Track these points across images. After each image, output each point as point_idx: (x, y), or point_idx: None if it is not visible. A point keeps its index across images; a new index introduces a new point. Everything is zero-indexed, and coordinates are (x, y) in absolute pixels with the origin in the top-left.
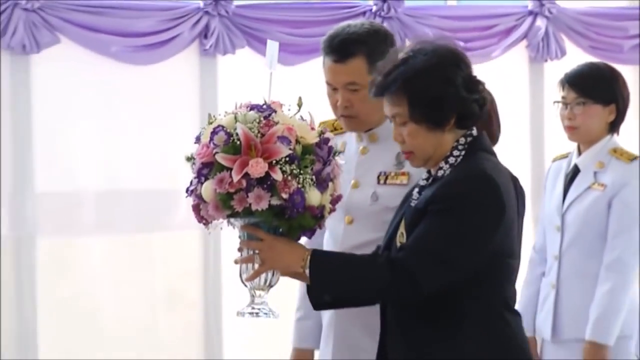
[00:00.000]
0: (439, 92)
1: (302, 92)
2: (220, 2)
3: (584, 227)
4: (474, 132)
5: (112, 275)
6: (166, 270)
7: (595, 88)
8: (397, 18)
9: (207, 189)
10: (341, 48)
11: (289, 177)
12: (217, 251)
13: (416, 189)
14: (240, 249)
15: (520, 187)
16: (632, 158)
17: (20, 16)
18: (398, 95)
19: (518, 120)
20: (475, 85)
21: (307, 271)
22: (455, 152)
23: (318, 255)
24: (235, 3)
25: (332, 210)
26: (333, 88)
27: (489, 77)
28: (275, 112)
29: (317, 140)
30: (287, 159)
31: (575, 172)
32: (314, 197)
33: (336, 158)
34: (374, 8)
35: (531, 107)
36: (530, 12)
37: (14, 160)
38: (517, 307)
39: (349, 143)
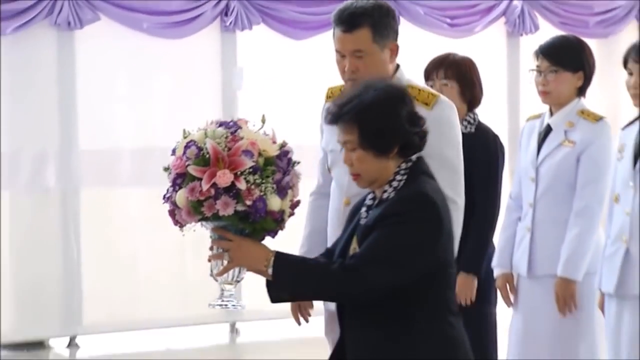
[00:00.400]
0: (386, 124)
1: (310, 62)
2: None
3: (556, 179)
4: (414, 158)
5: (146, 223)
6: None
7: (565, 58)
8: None
9: (181, 196)
10: (349, 20)
11: (252, 186)
12: None
13: (364, 209)
14: (211, 248)
15: (501, 143)
16: (598, 118)
17: None
18: (350, 125)
19: (497, 86)
20: (417, 120)
21: (270, 270)
22: (398, 177)
23: (281, 257)
24: None
25: (292, 214)
26: (342, 55)
27: (472, 49)
28: (241, 128)
29: (277, 152)
30: (251, 170)
31: (547, 130)
32: (274, 203)
33: (297, 163)
34: None
35: (509, 74)
36: None
37: (61, 122)
38: (496, 247)
39: None
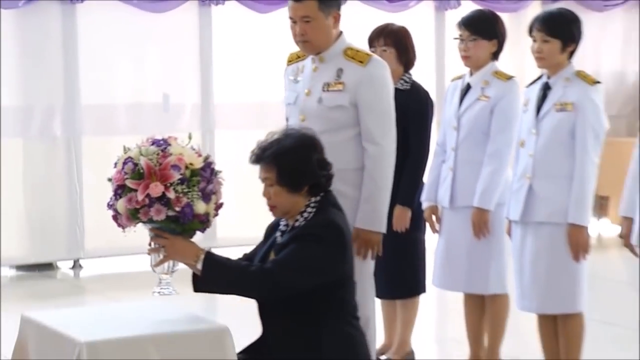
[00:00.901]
0: (299, 167)
1: (272, 32)
2: None
3: (473, 127)
4: (322, 199)
5: None
6: None
7: (482, 28)
8: None
9: (121, 205)
10: None
11: (181, 195)
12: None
13: (279, 233)
14: (150, 244)
15: (430, 99)
16: (508, 78)
17: None
18: (270, 165)
19: (427, 52)
20: (325, 165)
21: (199, 265)
22: (309, 209)
23: (209, 257)
24: None
25: (216, 214)
26: (293, 21)
27: (407, 21)
28: (170, 145)
29: (202, 165)
30: (179, 181)
31: (467, 88)
32: (200, 207)
33: (218, 176)
34: None
35: (436, 42)
36: None
37: (65, 82)
38: (425, 185)
39: (306, 66)
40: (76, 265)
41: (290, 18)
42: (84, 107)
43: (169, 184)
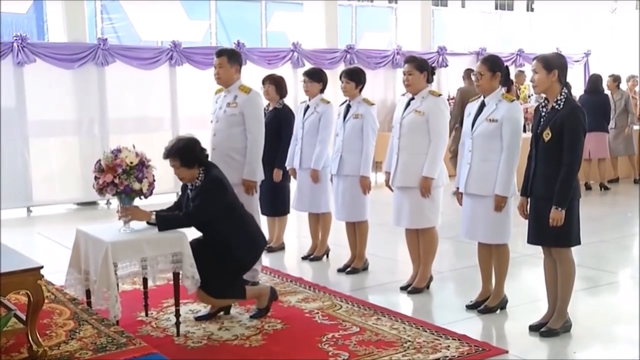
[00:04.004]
0: (192, 156)
1: (207, 79)
2: (177, 45)
3: (311, 127)
4: (205, 167)
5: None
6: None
7: (315, 76)
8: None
9: (94, 186)
10: (218, 52)
11: (123, 180)
12: (177, 127)
13: (189, 190)
14: (118, 211)
15: (293, 113)
16: (327, 102)
17: (19, 49)
18: (174, 157)
19: (290, 88)
20: (203, 150)
21: (153, 220)
22: (200, 175)
23: (158, 214)
24: (183, 46)
25: (150, 188)
26: (214, 66)
27: (279, 72)
28: (121, 151)
29: (137, 162)
30: (122, 172)
31: (306, 107)
32: (136, 186)
33: (150, 166)
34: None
35: (294, 83)
36: (292, 50)
37: (99, 105)
38: (288, 156)
39: (221, 95)
40: (108, 202)
41: (214, 65)
42: (110, 119)
43: (115, 174)
